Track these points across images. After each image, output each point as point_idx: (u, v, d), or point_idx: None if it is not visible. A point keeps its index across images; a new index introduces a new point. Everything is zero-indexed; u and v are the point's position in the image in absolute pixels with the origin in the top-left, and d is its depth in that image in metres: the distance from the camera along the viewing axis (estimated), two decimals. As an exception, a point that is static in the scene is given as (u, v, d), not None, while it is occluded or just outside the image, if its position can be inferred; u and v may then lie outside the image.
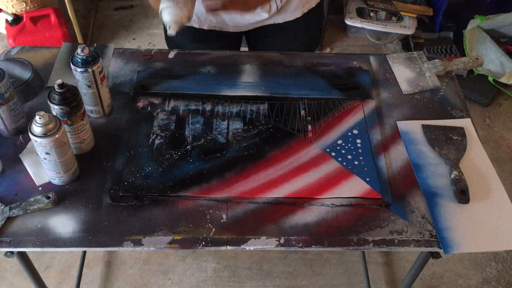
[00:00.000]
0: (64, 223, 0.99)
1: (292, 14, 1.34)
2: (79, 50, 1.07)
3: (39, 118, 0.93)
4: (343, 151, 1.14)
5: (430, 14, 2.59)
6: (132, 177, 1.07)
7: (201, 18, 1.34)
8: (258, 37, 1.44)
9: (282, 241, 0.99)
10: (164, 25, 0.96)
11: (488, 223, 1.03)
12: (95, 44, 1.36)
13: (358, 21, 2.50)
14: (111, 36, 2.74)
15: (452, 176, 1.08)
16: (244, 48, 1.53)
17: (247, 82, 1.29)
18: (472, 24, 2.52)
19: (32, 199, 1.00)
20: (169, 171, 1.08)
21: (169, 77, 1.29)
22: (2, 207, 0.99)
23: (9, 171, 1.07)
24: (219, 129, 1.18)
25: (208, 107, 1.22)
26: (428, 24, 2.64)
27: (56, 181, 1.04)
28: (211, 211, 1.03)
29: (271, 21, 1.34)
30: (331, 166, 1.11)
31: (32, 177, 1.06)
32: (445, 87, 1.31)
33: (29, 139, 0.98)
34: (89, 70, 1.07)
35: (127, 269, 1.76)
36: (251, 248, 0.98)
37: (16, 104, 1.10)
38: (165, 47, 1.52)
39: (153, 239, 0.98)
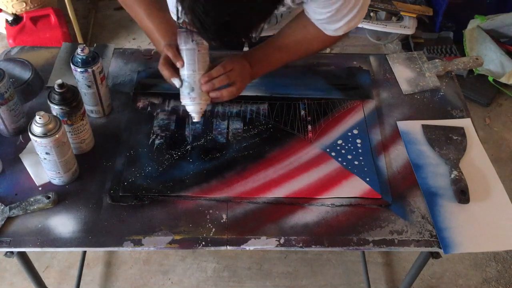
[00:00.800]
0: (64, 223, 0.99)
1: None
2: (79, 50, 1.07)
3: (39, 118, 0.93)
4: (343, 151, 1.14)
5: (430, 14, 2.59)
6: (132, 177, 1.07)
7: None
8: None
9: (282, 241, 0.99)
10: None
11: (488, 223, 1.02)
12: (95, 44, 1.36)
13: (358, 21, 2.50)
14: (111, 36, 2.74)
15: (452, 176, 1.08)
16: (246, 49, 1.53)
17: (247, 82, 1.28)
18: (472, 24, 2.52)
19: (32, 199, 1.00)
20: (169, 171, 1.08)
21: (169, 77, 1.29)
22: (2, 207, 0.99)
23: (9, 171, 1.07)
24: (219, 129, 1.18)
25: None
26: (428, 24, 2.64)
27: (56, 181, 1.04)
28: (211, 211, 1.03)
29: (272, 32, 1.32)
30: (331, 166, 1.11)
31: (32, 177, 1.06)
32: (445, 87, 1.31)
33: (29, 139, 0.98)
34: (89, 70, 1.07)
35: (127, 269, 1.76)
36: (251, 248, 0.98)
37: (16, 104, 1.10)
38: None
39: (153, 239, 0.98)
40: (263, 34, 1.33)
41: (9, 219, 0.99)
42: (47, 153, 0.97)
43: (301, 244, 0.98)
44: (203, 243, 0.98)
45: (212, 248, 0.98)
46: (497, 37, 2.48)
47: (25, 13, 2.42)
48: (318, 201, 1.05)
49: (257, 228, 1.00)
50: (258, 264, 1.78)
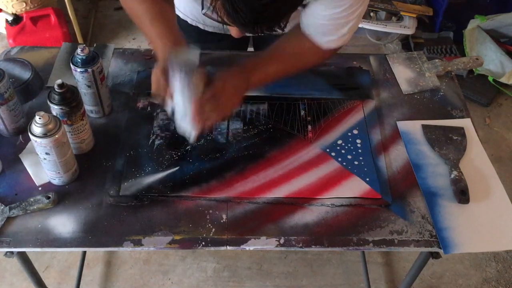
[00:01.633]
0: (64, 223, 0.99)
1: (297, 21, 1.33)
2: (79, 50, 1.07)
3: (39, 118, 0.92)
4: (343, 151, 1.14)
5: (430, 14, 2.59)
6: (132, 177, 1.07)
7: (206, 21, 1.32)
8: (265, 39, 1.42)
9: (282, 241, 0.99)
10: None
11: (488, 223, 1.02)
12: (95, 44, 1.36)
13: (358, 21, 2.50)
14: (111, 36, 2.74)
15: (452, 176, 1.08)
16: (250, 49, 1.53)
17: (247, 82, 1.28)
18: (472, 24, 2.52)
19: (32, 199, 1.00)
20: (169, 171, 1.08)
21: (169, 77, 1.28)
22: (2, 207, 0.99)
23: (9, 171, 1.07)
24: (219, 129, 1.18)
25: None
26: (428, 24, 2.64)
27: (56, 181, 1.04)
28: (211, 211, 1.03)
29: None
30: (331, 166, 1.11)
31: (32, 177, 1.06)
32: (445, 87, 1.31)
33: (29, 139, 0.97)
34: (89, 70, 1.07)
35: (127, 269, 1.76)
36: (251, 248, 0.98)
37: (16, 104, 1.10)
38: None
39: (153, 239, 0.98)
40: None
41: (9, 219, 0.99)
42: (47, 153, 0.97)
43: (301, 244, 0.98)
44: (203, 243, 0.98)
45: (212, 248, 0.98)
46: (497, 37, 2.48)
47: (25, 13, 2.42)
48: (318, 201, 1.05)
49: (257, 228, 1.00)
50: (258, 264, 1.79)
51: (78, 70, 1.07)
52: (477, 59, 1.34)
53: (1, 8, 2.39)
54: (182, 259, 1.79)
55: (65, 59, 1.31)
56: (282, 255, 1.81)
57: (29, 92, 1.21)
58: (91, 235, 0.98)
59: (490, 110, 2.39)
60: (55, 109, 1.01)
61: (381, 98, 1.27)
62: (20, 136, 1.14)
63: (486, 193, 1.07)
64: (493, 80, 2.39)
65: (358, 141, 1.17)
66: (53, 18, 2.42)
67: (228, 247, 0.98)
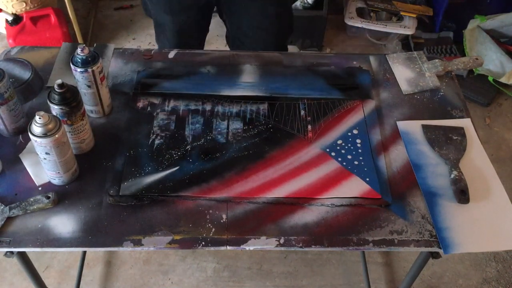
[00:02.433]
0: (64, 223, 0.99)
1: None
2: (79, 50, 1.07)
3: (39, 118, 0.93)
4: (343, 151, 1.14)
5: (430, 14, 2.59)
6: (132, 177, 1.07)
7: None
8: (229, 5, 1.49)
9: (282, 241, 0.99)
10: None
11: (488, 223, 1.02)
12: (95, 44, 1.36)
13: (358, 21, 2.50)
14: (111, 36, 2.74)
15: (452, 176, 1.08)
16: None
17: (247, 82, 1.29)
18: (472, 24, 2.52)
19: (32, 199, 1.00)
20: (169, 171, 1.08)
21: (169, 77, 1.29)
22: (2, 207, 0.99)
23: (9, 171, 1.07)
24: (219, 129, 1.18)
25: (208, 107, 1.22)
26: (428, 24, 2.64)
27: (56, 181, 1.04)
28: (211, 211, 1.03)
29: None
30: (331, 166, 1.11)
31: (32, 177, 1.06)
32: (445, 87, 1.31)
33: (29, 139, 0.98)
34: (89, 70, 1.07)
35: (127, 269, 1.76)
36: (251, 248, 0.98)
37: (16, 104, 1.10)
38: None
39: (153, 239, 0.98)
40: None
41: (9, 219, 0.99)
42: (47, 153, 0.97)
43: (301, 244, 0.98)
44: (203, 243, 0.98)
45: (212, 248, 0.98)
46: (497, 37, 2.48)
47: (25, 13, 2.42)
48: (318, 201, 1.05)
49: (257, 228, 1.00)
50: (258, 264, 1.78)
51: (78, 70, 1.07)
52: (477, 59, 1.34)
53: (1, 8, 2.39)
54: (182, 259, 1.79)
55: (65, 59, 1.31)
56: (282, 255, 1.80)
57: (29, 92, 1.21)
58: (91, 235, 0.98)
59: (490, 110, 2.39)
60: (55, 109, 1.01)
61: (381, 98, 1.27)
62: (20, 136, 1.14)
63: (486, 193, 1.07)
64: (493, 80, 2.39)
65: (358, 141, 1.17)
66: (53, 18, 2.42)
67: (228, 247, 0.98)
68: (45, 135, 0.94)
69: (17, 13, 2.43)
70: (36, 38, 2.39)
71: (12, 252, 1.02)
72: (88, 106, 1.15)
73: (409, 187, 1.09)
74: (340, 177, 1.09)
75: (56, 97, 1.00)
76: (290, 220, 1.02)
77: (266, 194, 1.06)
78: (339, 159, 1.13)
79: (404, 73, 1.33)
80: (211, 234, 0.99)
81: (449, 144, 1.15)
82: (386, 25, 2.50)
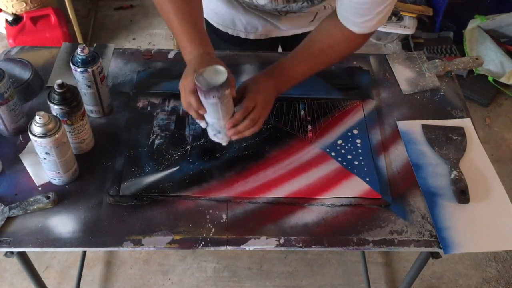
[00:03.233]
0: (64, 223, 0.99)
1: None
2: (79, 50, 1.07)
3: (39, 118, 0.92)
4: (343, 151, 1.14)
5: (430, 14, 2.59)
6: (132, 177, 1.07)
7: (247, 28, 1.32)
8: (295, 42, 1.42)
9: (282, 241, 0.99)
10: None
11: (488, 223, 1.02)
12: (95, 44, 1.36)
13: (358, 21, 2.50)
14: (111, 36, 2.74)
15: (452, 176, 1.08)
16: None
17: (247, 82, 1.28)
18: (472, 24, 2.52)
19: (32, 199, 1.00)
20: (169, 171, 1.08)
21: (169, 77, 1.29)
22: (2, 207, 0.99)
23: (9, 171, 1.07)
24: (219, 129, 1.17)
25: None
26: (428, 24, 2.64)
27: (56, 181, 1.04)
28: (211, 211, 1.03)
29: (310, 28, 1.30)
30: (331, 166, 1.11)
31: (32, 177, 1.06)
32: (445, 87, 1.31)
33: (29, 139, 0.98)
34: (89, 70, 1.07)
35: (127, 269, 1.76)
36: (251, 248, 0.98)
37: (16, 104, 1.10)
38: (165, 46, 1.52)
39: (153, 239, 0.98)
40: (297, 32, 1.33)
41: (9, 219, 0.99)
42: (47, 153, 0.97)
43: (301, 244, 0.98)
44: (203, 243, 0.98)
45: (212, 248, 0.98)
46: (497, 37, 2.48)
47: (25, 13, 2.42)
48: (318, 201, 1.05)
49: (257, 228, 1.00)
50: (258, 264, 1.79)
51: (78, 70, 1.07)
52: (477, 59, 1.34)
53: (1, 8, 2.39)
54: (182, 259, 1.79)
55: (65, 59, 1.31)
56: (282, 255, 1.81)
57: (29, 92, 1.21)
58: (91, 235, 0.98)
59: (490, 110, 2.39)
60: (55, 109, 1.01)
61: (381, 98, 1.27)
62: (20, 136, 1.14)
63: (486, 193, 1.07)
64: (493, 80, 2.39)
65: (358, 141, 1.17)
66: (53, 18, 2.42)
67: (228, 247, 0.98)
68: (45, 135, 0.94)
69: (17, 13, 2.43)
70: (36, 38, 2.40)
71: (12, 252, 1.02)
72: (88, 106, 1.15)
73: (409, 187, 1.09)
74: (340, 177, 1.09)
75: (56, 97, 1.00)
76: (290, 220, 1.02)
77: (266, 194, 1.06)
78: (339, 159, 1.13)
79: (404, 73, 1.33)
80: (211, 234, 0.99)
81: (449, 144, 1.15)
82: (386, 25, 2.50)
